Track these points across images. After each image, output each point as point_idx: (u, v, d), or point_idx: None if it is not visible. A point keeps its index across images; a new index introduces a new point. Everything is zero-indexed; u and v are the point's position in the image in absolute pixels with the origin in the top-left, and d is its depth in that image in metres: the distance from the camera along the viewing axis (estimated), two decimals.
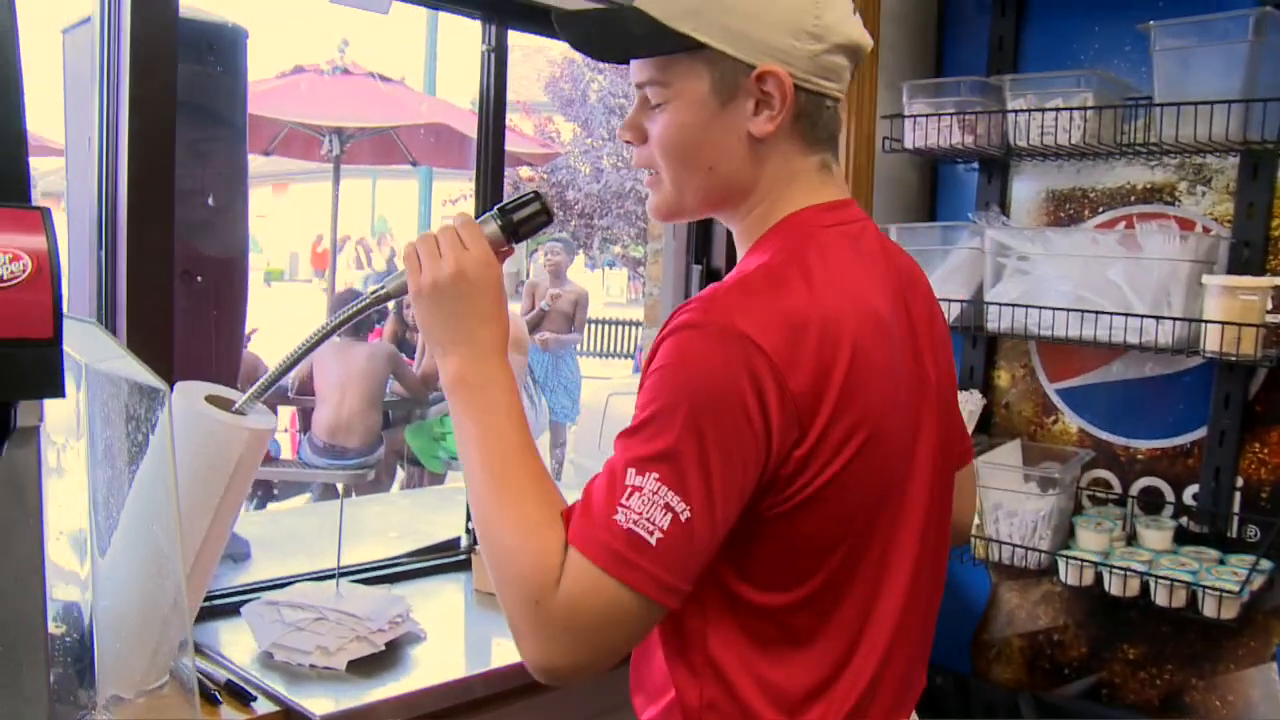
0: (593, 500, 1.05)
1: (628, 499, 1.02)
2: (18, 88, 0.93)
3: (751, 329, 1.03)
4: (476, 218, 1.32)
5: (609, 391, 6.14)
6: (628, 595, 1.01)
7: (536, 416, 6.55)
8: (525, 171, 11.93)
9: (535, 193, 1.33)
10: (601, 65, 13.43)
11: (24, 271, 0.84)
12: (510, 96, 2.17)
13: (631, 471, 1.03)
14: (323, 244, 16.76)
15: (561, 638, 1.04)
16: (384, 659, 1.62)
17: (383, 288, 1.33)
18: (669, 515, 1.01)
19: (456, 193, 14.72)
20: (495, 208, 1.31)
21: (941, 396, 1.27)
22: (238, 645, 1.65)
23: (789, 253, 1.13)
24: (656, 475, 1.02)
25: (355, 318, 1.38)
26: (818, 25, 1.12)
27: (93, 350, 1.19)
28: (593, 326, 14.27)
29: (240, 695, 1.48)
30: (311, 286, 17.18)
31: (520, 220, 1.31)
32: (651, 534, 1.01)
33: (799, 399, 1.04)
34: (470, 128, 6.41)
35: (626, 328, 14.94)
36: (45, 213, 0.86)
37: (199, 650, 1.62)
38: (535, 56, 14.62)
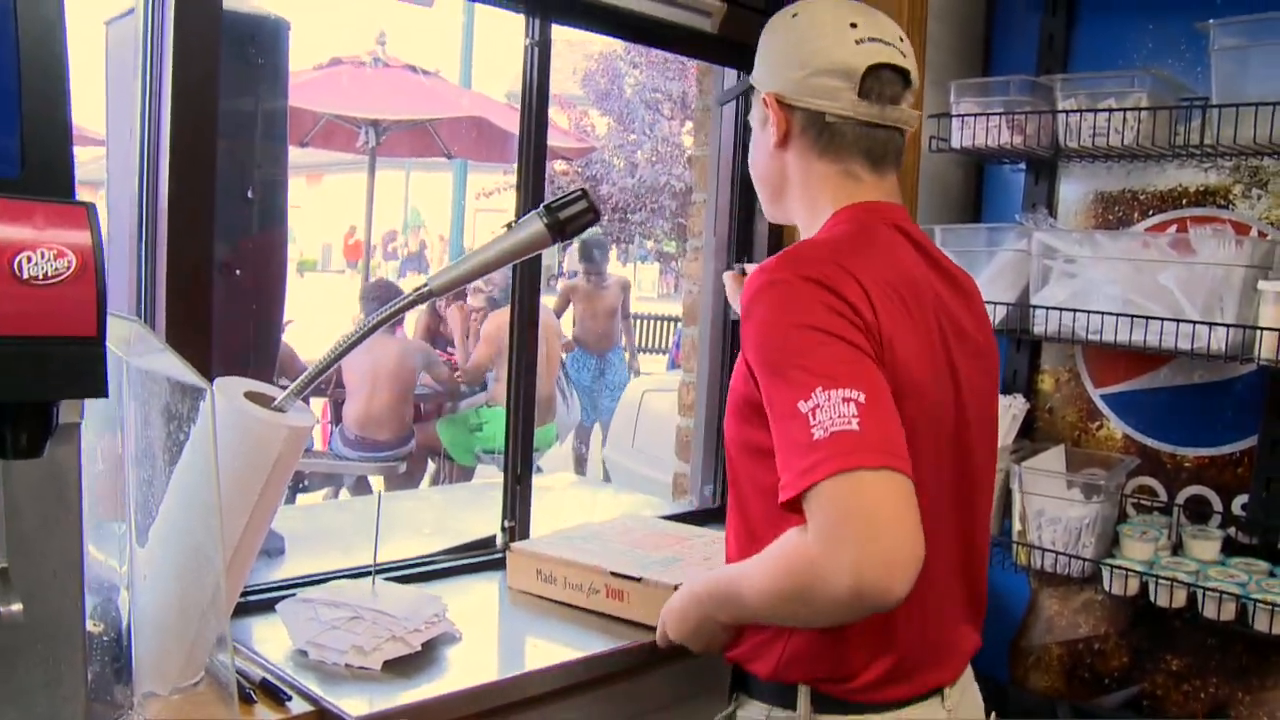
0: (791, 452, 1.18)
1: (814, 419, 1.15)
2: (64, 82, 0.91)
3: (814, 274, 1.25)
4: (521, 216, 1.32)
5: (644, 388, 6.08)
6: (873, 479, 1.13)
7: (568, 413, 6.49)
8: (560, 165, 11.93)
9: (582, 190, 1.33)
10: (638, 60, 13.41)
11: (68, 268, 0.82)
12: None
13: (801, 404, 1.17)
14: (355, 235, 16.84)
15: (856, 555, 1.12)
16: (419, 660, 1.61)
17: (427, 285, 1.32)
18: (852, 404, 1.15)
19: (491, 185, 14.72)
20: (542, 205, 1.30)
21: (979, 396, 1.44)
22: (271, 642, 1.63)
23: (832, 231, 1.40)
24: (821, 386, 1.17)
25: (398, 314, 1.36)
26: (802, 55, 1.39)
27: (134, 347, 1.18)
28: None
29: (275, 694, 1.46)
30: (344, 277, 17.26)
31: (567, 218, 1.32)
32: (850, 423, 1.14)
33: (868, 321, 1.25)
34: (505, 121, 6.43)
35: (657, 322, 14.88)
36: (90, 209, 0.85)
37: (235, 648, 1.61)
38: (571, 50, 14.60)
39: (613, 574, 1.79)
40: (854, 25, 1.37)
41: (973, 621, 1.52)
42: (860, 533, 1.12)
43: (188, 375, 1.11)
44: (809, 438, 1.15)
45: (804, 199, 1.45)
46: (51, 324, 0.82)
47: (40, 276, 0.81)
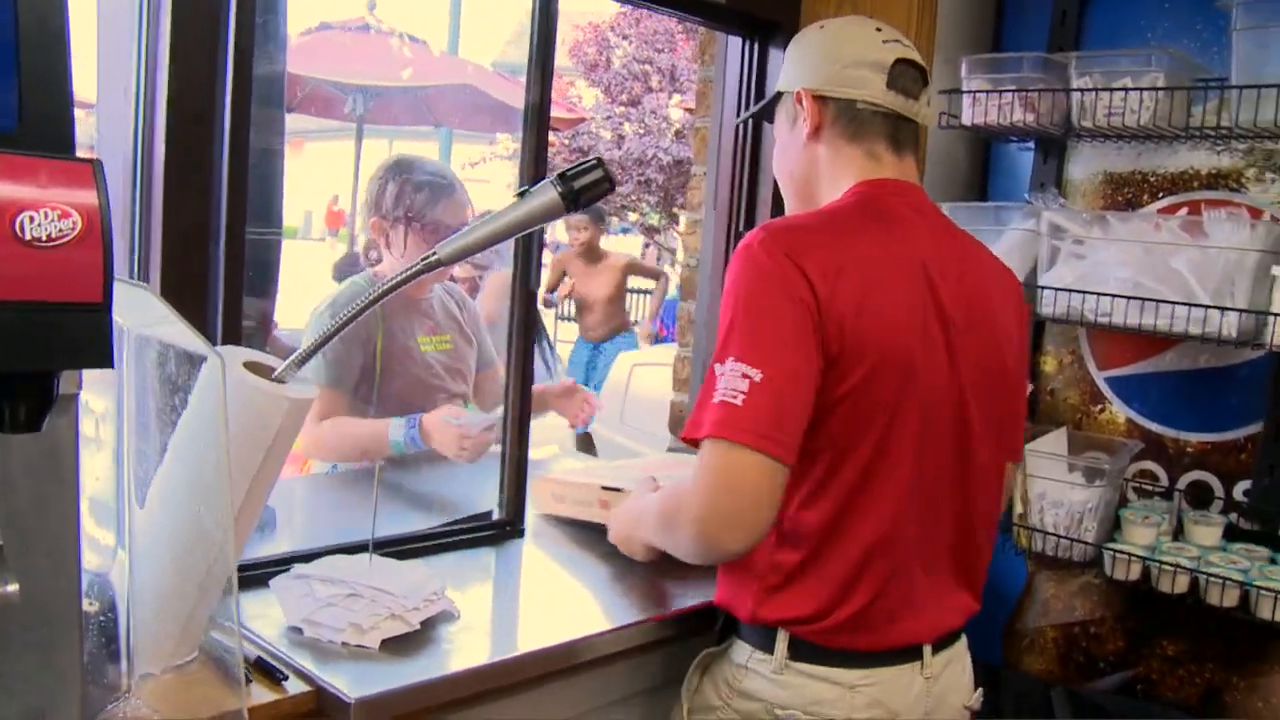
0: (698, 404, 1.37)
1: (719, 385, 1.34)
2: (63, 31, 0.86)
3: (787, 246, 1.39)
4: (533, 184, 1.29)
5: (633, 362, 6.00)
6: (734, 451, 1.31)
7: (551, 378, 6.38)
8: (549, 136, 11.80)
9: (597, 159, 1.31)
10: (627, 30, 13.29)
11: (73, 230, 0.77)
12: None
13: (718, 367, 1.35)
14: (339, 203, 16.69)
15: (702, 506, 1.34)
16: (418, 638, 1.57)
17: (435, 254, 1.27)
18: (746, 381, 1.31)
19: (477, 156, 14.57)
20: (556, 174, 1.27)
21: (985, 371, 1.56)
22: (264, 619, 1.59)
23: (837, 203, 1.56)
24: (733, 357, 1.34)
25: (405, 284, 1.32)
26: (835, 53, 1.57)
27: (140, 314, 1.13)
28: None
29: (271, 674, 1.42)
30: (324, 245, 17.09)
31: (582, 188, 1.29)
32: (736, 397, 1.31)
33: (825, 304, 1.36)
34: (496, 90, 6.33)
35: (640, 296, 14.73)
36: (97, 165, 0.79)
37: (226, 625, 1.57)
38: (559, 21, 14.41)
39: (602, 488, 2.00)
40: (879, 30, 1.59)
41: (962, 587, 1.63)
42: (711, 489, 1.33)
43: (192, 342, 1.07)
44: (709, 398, 1.34)
45: (829, 181, 1.59)
46: (55, 289, 0.77)
47: (43, 238, 0.76)
